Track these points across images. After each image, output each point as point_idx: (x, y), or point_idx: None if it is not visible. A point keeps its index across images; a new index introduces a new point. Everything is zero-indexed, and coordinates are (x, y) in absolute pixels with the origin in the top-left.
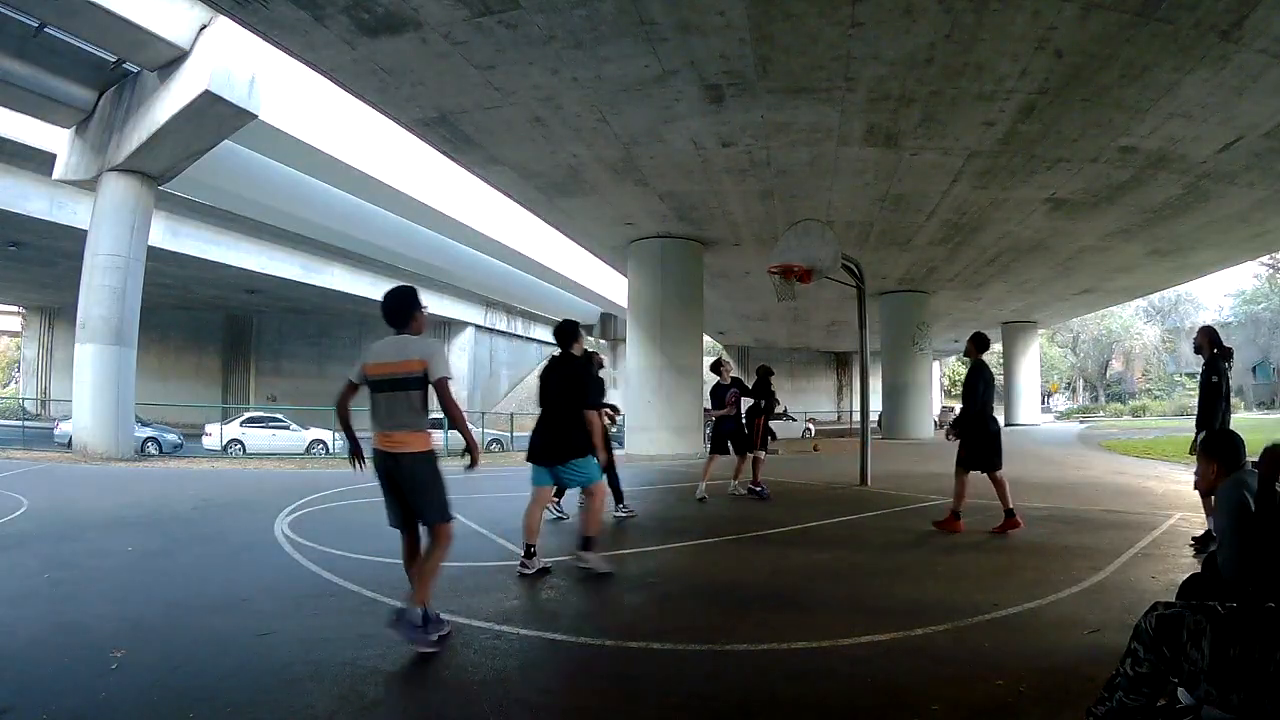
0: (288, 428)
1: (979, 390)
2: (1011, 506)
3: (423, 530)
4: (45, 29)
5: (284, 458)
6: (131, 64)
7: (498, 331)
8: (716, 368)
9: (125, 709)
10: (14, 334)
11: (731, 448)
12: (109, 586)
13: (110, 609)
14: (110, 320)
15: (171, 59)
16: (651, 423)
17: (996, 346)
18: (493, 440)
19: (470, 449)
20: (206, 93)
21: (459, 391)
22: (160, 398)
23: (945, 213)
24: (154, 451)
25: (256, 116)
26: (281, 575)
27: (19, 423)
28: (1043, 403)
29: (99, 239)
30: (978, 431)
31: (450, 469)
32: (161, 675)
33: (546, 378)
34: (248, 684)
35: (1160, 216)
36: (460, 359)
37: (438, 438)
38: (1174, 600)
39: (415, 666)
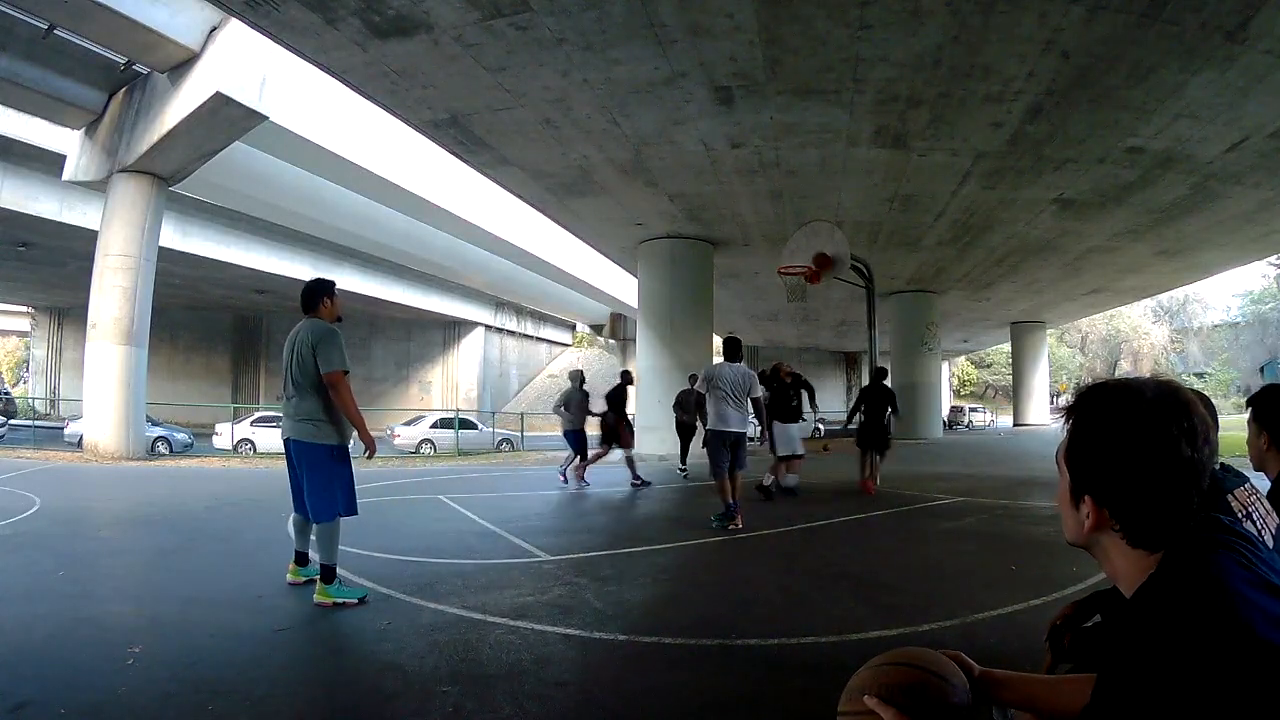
0: None
1: None
2: None
3: None
4: (55, 31)
5: None
6: (141, 66)
7: (507, 331)
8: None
9: (143, 703)
10: (23, 334)
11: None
12: (124, 584)
13: (126, 606)
14: (122, 320)
15: (182, 61)
16: (662, 422)
17: (1004, 346)
18: (503, 440)
19: None
20: (217, 94)
21: (469, 391)
22: (170, 397)
23: (954, 213)
24: (164, 451)
25: (267, 119)
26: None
27: (29, 422)
28: (1051, 403)
29: (110, 240)
30: None
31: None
32: (179, 670)
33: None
34: (266, 678)
35: (1168, 217)
36: (470, 358)
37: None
38: None
39: (431, 661)
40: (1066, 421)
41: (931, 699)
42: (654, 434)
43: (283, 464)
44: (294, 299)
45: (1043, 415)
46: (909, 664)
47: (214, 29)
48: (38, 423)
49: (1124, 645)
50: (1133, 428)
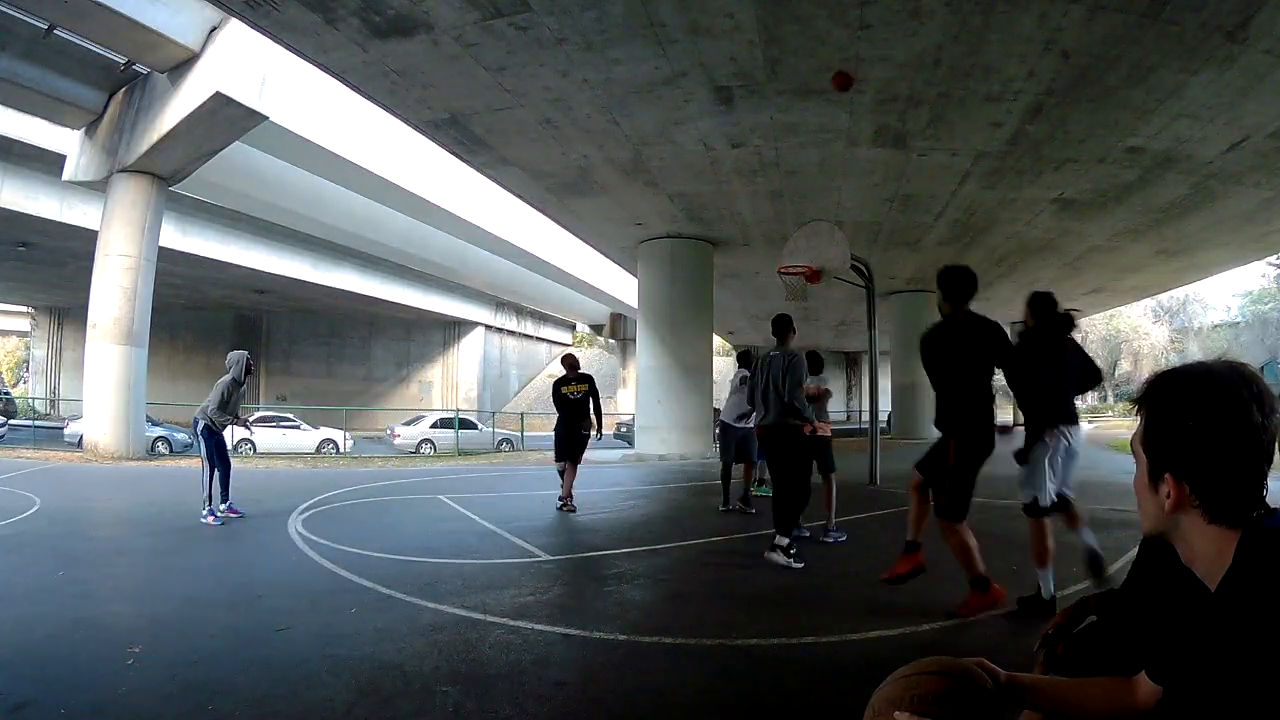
0: (298, 427)
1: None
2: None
3: None
4: (55, 31)
5: (295, 457)
6: (141, 66)
7: (507, 331)
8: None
9: (144, 702)
10: (23, 334)
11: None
12: (124, 584)
13: (126, 606)
14: (122, 320)
15: (182, 61)
16: (661, 422)
17: None
18: (503, 440)
19: None
20: (217, 94)
21: (469, 390)
22: (170, 397)
23: (954, 213)
24: (164, 451)
25: (267, 118)
26: (297, 572)
27: (29, 422)
28: None
29: (110, 239)
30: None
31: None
32: (179, 669)
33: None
34: (266, 678)
35: (1168, 216)
36: (470, 358)
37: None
38: None
39: (431, 661)
40: (1139, 410)
41: (965, 705)
42: (655, 433)
43: (281, 464)
44: (294, 299)
45: None
46: (938, 672)
47: (214, 29)
48: (38, 423)
49: (1221, 634)
50: (1205, 398)
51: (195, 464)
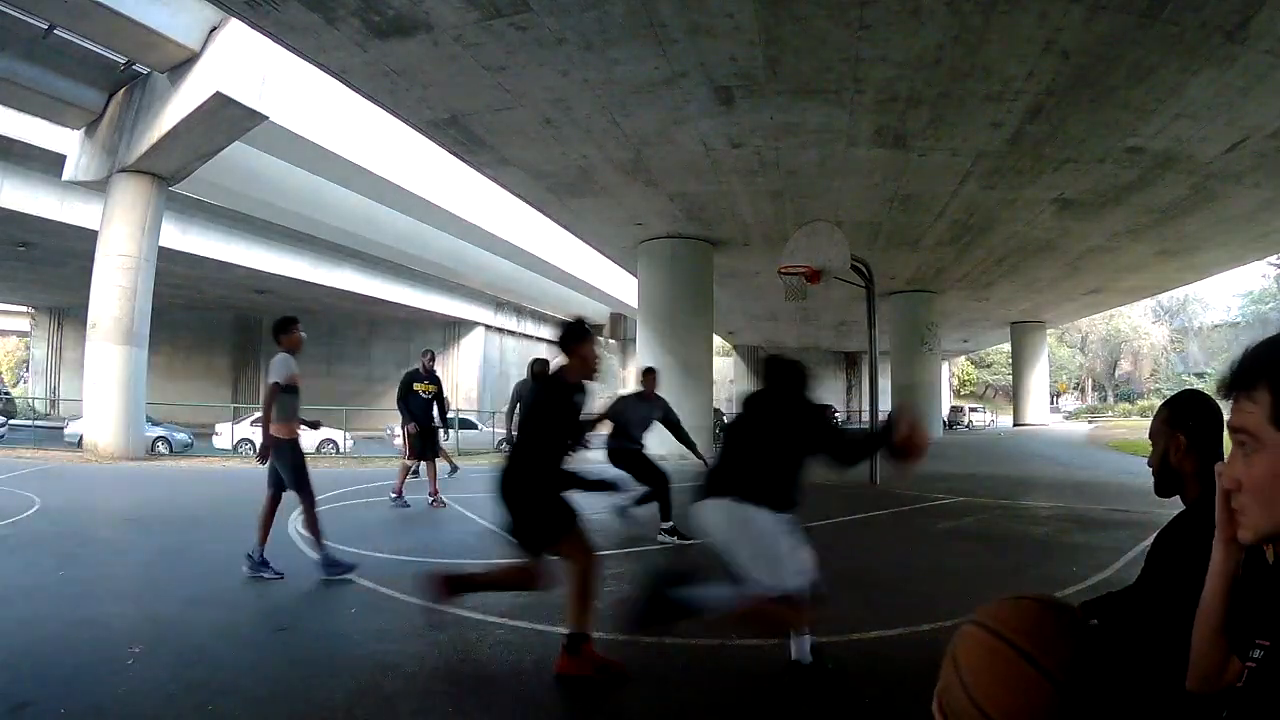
0: None
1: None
2: None
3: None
4: (55, 31)
5: None
6: (141, 65)
7: (507, 331)
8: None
9: (144, 702)
10: (23, 334)
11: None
12: (124, 584)
13: (126, 606)
14: (122, 320)
15: (182, 60)
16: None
17: (1005, 347)
18: (503, 440)
19: None
20: (217, 94)
21: (469, 391)
22: (170, 397)
23: (954, 213)
24: (164, 451)
25: (267, 118)
26: (297, 572)
27: (29, 422)
28: (1051, 403)
29: (110, 239)
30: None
31: None
32: (179, 669)
33: None
34: (266, 677)
35: (1167, 216)
36: (470, 358)
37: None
38: None
39: (431, 660)
40: (1254, 389)
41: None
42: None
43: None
44: (294, 299)
45: (1042, 415)
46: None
47: (214, 29)
48: (38, 422)
49: None
50: None
51: (196, 464)
